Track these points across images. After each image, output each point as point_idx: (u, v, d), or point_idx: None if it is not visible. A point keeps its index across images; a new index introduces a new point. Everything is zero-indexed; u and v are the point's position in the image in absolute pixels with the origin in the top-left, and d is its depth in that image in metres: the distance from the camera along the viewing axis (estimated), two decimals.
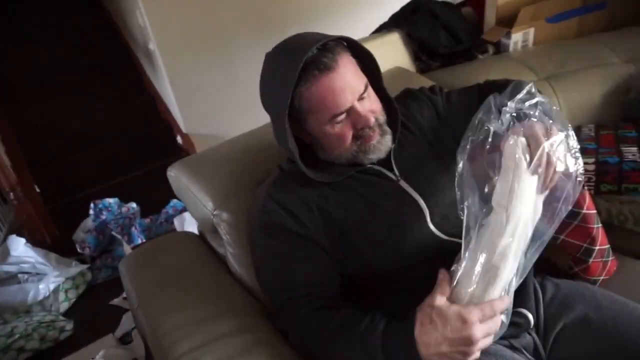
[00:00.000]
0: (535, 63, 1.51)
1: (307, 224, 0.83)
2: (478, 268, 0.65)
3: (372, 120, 0.82)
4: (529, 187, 0.67)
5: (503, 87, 0.84)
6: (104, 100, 3.15)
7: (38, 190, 2.77)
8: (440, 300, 0.66)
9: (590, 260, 0.86)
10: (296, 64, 0.76)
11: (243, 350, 0.81)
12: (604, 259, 0.88)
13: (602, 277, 0.92)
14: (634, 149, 1.17)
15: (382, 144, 0.85)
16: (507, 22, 1.61)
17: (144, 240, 2.23)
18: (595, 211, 0.85)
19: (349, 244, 0.83)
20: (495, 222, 0.66)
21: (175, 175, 1.12)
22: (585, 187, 0.84)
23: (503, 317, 0.67)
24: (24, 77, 3.22)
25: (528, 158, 0.67)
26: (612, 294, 0.84)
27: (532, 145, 0.68)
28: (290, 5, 2.94)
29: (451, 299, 0.67)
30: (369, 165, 0.87)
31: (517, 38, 1.62)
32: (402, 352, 0.68)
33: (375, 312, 0.75)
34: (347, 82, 0.80)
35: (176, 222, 2.12)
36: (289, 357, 0.81)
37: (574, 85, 1.44)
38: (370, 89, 0.84)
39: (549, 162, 0.68)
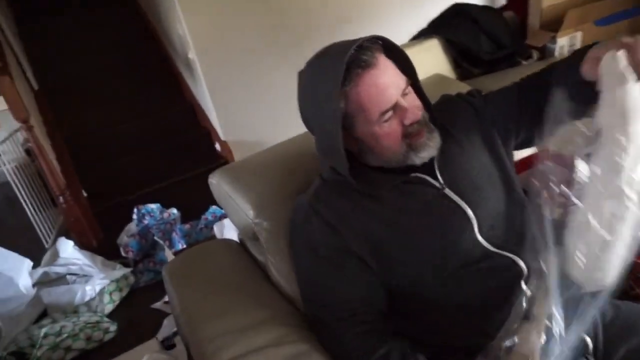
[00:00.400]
0: None
1: (349, 239, 0.82)
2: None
3: (420, 114, 0.81)
4: None
5: (548, 74, 0.81)
6: (145, 108, 3.27)
7: (85, 194, 2.89)
8: None
9: None
10: (339, 65, 0.75)
11: None
12: None
13: None
14: None
15: (432, 140, 0.83)
16: (553, 25, 1.56)
17: (185, 246, 2.29)
18: None
19: (392, 259, 0.82)
20: (611, 153, 0.58)
21: (217, 182, 1.13)
22: None
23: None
24: (69, 84, 3.37)
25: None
26: None
27: (632, 54, 0.62)
28: (325, 16, 2.96)
29: None
30: (412, 175, 0.85)
31: (563, 42, 1.57)
32: None
33: (419, 354, 0.75)
34: (389, 77, 0.79)
35: (216, 228, 2.16)
36: None
37: None
38: (410, 88, 0.83)
39: None
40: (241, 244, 1.20)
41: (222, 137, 3.01)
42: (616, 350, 0.75)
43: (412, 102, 0.81)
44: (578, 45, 1.57)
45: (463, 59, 1.60)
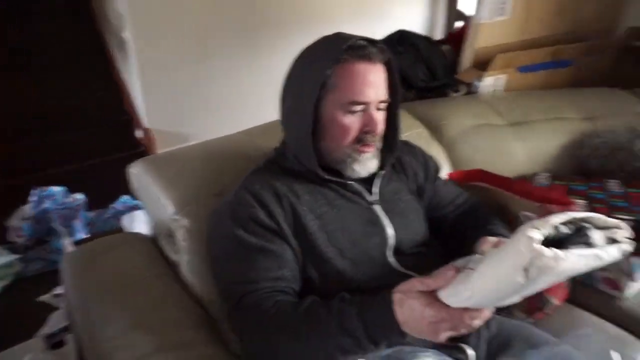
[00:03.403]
0: (503, 108, 1.58)
1: (279, 220, 0.82)
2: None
3: (380, 128, 0.85)
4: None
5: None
6: (66, 83, 3.00)
7: None
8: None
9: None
10: (344, 42, 0.80)
11: None
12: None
13: (538, 318, 0.96)
14: (583, 201, 1.23)
15: (371, 162, 0.88)
16: (482, 65, 1.68)
17: (86, 235, 2.11)
18: None
19: (313, 248, 0.83)
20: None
21: (138, 172, 1.06)
22: None
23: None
24: None
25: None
26: (548, 335, 0.87)
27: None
28: (277, 14, 2.95)
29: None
30: (350, 182, 0.89)
31: (489, 82, 1.69)
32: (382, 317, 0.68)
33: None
34: (378, 80, 0.83)
35: (125, 219, 2.02)
36: None
37: (536, 134, 1.52)
38: (384, 111, 0.87)
39: None
40: (152, 239, 1.13)
41: (146, 124, 2.85)
42: None
43: (380, 118, 0.85)
44: (501, 86, 1.71)
45: (400, 83, 1.67)
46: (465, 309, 0.63)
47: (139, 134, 2.99)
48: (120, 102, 3.13)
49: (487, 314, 0.66)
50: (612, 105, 1.66)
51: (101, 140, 2.90)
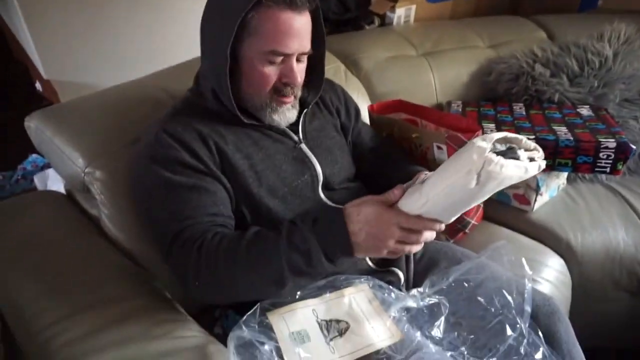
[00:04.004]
0: (416, 39, 1.62)
1: (205, 159, 0.80)
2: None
3: (299, 81, 0.82)
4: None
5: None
6: None
7: None
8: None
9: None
10: None
11: (119, 318, 0.75)
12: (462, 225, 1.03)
13: (459, 239, 1.06)
14: (492, 125, 1.32)
15: (290, 113, 0.87)
16: None
17: None
18: None
19: (243, 187, 0.83)
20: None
21: (36, 126, 0.98)
22: None
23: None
24: None
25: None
26: (469, 251, 0.98)
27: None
28: None
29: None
30: (274, 124, 0.88)
31: (400, 13, 1.71)
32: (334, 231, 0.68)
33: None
34: (303, 30, 0.79)
35: (37, 179, 1.88)
36: (171, 322, 0.78)
37: (447, 63, 1.58)
38: (305, 62, 0.84)
39: None
40: (68, 196, 1.07)
41: (45, 75, 2.58)
42: (422, 281, 0.86)
43: (300, 70, 0.82)
44: (412, 17, 1.74)
45: None
46: (421, 218, 0.65)
47: (39, 86, 2.72)
48: (9, 52, 2.80)
49: (437, 228, 0.67)
50: (513, 32, 1.75)
51: None
